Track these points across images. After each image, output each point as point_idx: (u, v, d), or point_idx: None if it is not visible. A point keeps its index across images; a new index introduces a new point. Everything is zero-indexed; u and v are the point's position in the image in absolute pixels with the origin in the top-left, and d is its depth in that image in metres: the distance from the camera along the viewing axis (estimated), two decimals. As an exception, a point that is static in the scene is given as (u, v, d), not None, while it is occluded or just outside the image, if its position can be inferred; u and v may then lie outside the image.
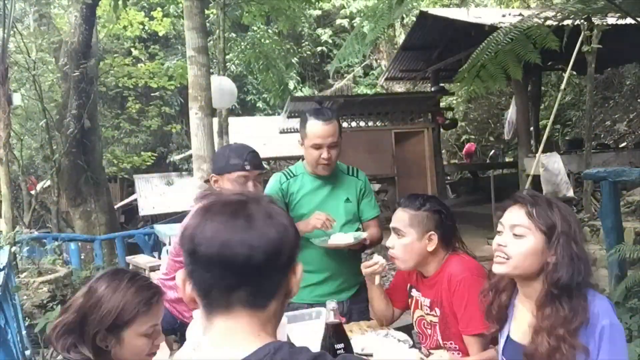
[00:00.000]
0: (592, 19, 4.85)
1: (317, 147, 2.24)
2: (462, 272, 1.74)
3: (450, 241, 1.85)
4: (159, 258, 5.97)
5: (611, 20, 5.07)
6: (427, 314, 1.88)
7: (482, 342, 1.68)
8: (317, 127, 2.24)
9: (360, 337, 1.92)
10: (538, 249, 1.36)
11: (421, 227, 1.80)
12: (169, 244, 5.00)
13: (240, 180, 2.07)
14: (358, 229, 2.37)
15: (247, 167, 2.06)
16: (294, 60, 14.26)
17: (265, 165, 18.08)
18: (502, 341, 1.50)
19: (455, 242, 1.86)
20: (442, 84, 10.77)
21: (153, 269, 5.33)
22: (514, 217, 1.41)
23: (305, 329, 1.83)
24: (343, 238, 2.19)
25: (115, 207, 10.52)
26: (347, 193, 2.36)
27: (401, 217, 1.84)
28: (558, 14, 3.48)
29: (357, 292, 2.33)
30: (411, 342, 1.85)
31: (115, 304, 1.29)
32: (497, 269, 1.43)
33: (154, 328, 1.35)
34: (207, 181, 2.20)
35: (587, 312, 1.30)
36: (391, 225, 1.86)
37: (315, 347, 1.67)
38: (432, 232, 1.80)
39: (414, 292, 1.96)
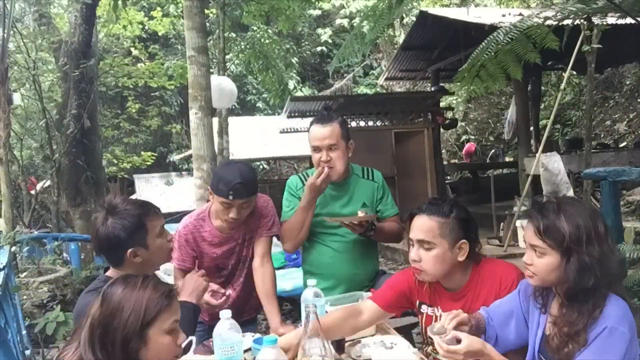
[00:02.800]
0: (592, 18, 4.85)
1: (316, 149, 2.28)
2: (513, 271, 1.70)
3: (474, 249, 1.73)
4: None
5: (611, 20, 5.07)
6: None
7: None
8: (314, 130, 2.30)
9: (367, 347, 1.86)
10: (557, 264, 1.39)
11: (452, 235, 1.67)
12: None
13: (225, 205, 2.10)
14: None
15: (230, 198, 2.05)
16: (294, 60, 14.25)
17: (265, 165, 18.12)
18: (537, 337, 1.52)
19: (478, 249, 1.75)
20: (442, 84, 10.77)
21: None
22: (530, 236, 1.45)
23: None
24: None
25: (115, 207, 10.51)
26: (363, 198, 2.38)
27: (429, 227, 1.68)
28: (558, 14, 3.47)
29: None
30: (414, 350, 1.81)
31: (139, 302, 1.26)
32: (531, 282, 1.49)
33: (176, 325, 1.34)
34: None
35: (596, 314, 1.34)
36: (415, 237, 1.72)
37: None
38: (464, 241, 1.69)
39: (425, 308, 1.84)
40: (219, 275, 2.31)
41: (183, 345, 1.51)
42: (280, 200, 2.54)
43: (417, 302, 1.87)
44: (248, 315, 2.37)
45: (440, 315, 1.78)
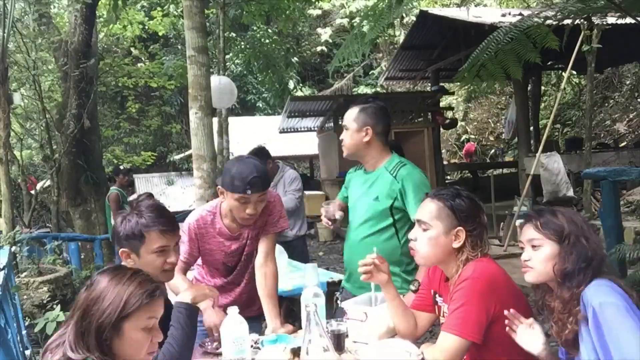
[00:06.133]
0: (592, 18, 4.85)
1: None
2: (471, 273, 1.63)
3: (479, 242, 1.69)
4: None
5: (611, 19, 5.07)
6: None
7: (457, 347, 1.60)
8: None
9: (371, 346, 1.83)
10: (554, 254, 1.51)
11: (449, 220, 1.67)
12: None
13: (241, 201, 2.07)
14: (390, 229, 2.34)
15: (248, 192, 2.04)
16: (294, 59, 14.25)
17: (265, 165, 18.12)
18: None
19: (484, 245, 1.71)
20: (442, 84, 10.77)
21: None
22: (528, 233, 1.57)
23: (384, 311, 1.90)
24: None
25: (115, 206, 10.51)
26: (377, 192, 2.31)
27: (429, 208, 1.71)
28: (558, 14, 3.47)
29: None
30: (419, 353, 1.71)
31: (120, 295, 1.29)
32: (526, 278, 1.58)
33: (154, 323, 1.36)
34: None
35: (579, 299, 1.43)
36: (416, 217, 1.75)
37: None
38: (460, 228, 1.67)
39: (438, 299, 1.82)
40: (228, 274, 2.31)
41: None
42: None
43: (432, 291, 1.86)
44: (253, 312, 2.35)
45: (443, 310, 1.79)
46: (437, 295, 1.84)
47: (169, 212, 1.81)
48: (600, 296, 1.38)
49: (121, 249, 1.72)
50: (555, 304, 1.49)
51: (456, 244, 1.68)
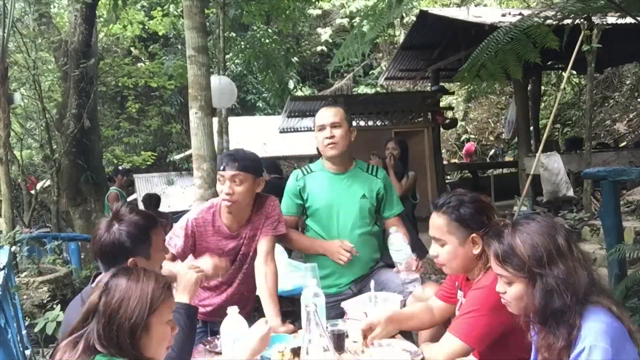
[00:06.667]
0: (592, 18, 4.85)
1: (321, 128, 2.43)
2: (490, 283, 1.58)
3: None
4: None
5: (611, 19, 5.07)
6: None
7: (458, 350, 1.61)
8: (320, 112, 2.49)
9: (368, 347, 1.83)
10: (525, 291, 1.35)
11: (461, 231, 1.68)
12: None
13: (220, 180, 2.20)
14: (376, 225, 2.55)
15: (221, 168, 2.18)
16: (294, 59, 14.24)
17: (265, 165, 18.09)
18: None
19: None
20: (442, 84, 10.76)
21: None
22: (496, 267, 1.41)
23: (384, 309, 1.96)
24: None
25: (116, 206, 10.52)
26: (363, 190, 2.48)
27: (438, 224, 1.72)
28: (558, 14, 3.48)
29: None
30: (419, 353, 1.75)
31: (145, 292, 1.29)
32: (510, 311, 1.45)
33: (172, 316, 1.37)
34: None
35: (573, 336, 1.26)
36: (430, 234, 1.76)
37: None
38: (474, 235, 1.67)
39: (459, 294, 1.85)
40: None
41: None
42: (280, 199, 2.58)
43: (456, 284, 1.89)
44: (243, 314, 2.37)
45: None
46: (459, 290, 1.86)
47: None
48: (595, 338, 1.22)
49: (130, 260, 1.62)
50: (540, 347, 1.32)
51: (476, 250, 1.68)
